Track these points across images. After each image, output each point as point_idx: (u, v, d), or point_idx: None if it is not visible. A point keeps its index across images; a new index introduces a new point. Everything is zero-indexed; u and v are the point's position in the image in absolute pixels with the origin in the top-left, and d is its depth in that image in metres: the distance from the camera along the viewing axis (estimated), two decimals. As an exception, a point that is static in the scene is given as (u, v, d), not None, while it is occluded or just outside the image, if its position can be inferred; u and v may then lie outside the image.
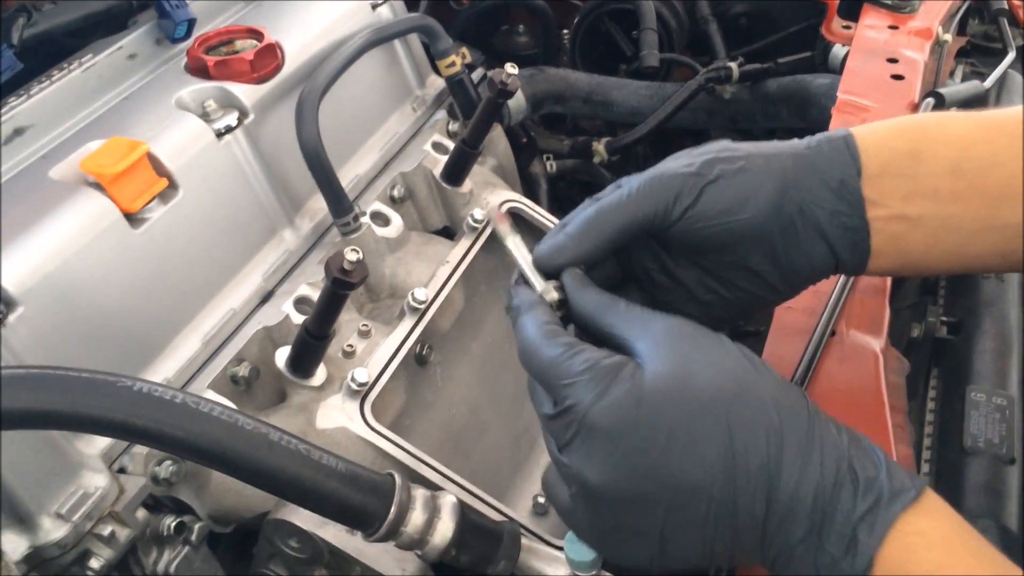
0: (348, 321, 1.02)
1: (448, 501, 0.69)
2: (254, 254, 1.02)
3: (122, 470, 0.83)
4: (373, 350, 1.00)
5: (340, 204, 1.04)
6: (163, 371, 0.89)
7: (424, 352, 1.09)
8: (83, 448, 0.80)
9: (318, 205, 1.09)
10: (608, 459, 0.58)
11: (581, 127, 1.72)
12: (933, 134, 0.70)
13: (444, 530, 0.68)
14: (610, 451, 0.58)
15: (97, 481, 0.77)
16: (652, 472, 0.57)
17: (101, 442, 0.83)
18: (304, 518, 0.83)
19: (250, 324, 0.97)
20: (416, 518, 0.67)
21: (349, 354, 0.99)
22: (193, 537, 0.84)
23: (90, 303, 0.83)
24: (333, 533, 0.82)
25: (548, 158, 1.51)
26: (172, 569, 0.82)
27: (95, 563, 0.76)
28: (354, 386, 0.94)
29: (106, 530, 0.76)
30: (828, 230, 0.68)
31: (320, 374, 0.94)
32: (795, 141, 0.71)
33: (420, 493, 0.69)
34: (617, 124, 1.65)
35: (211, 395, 0.89)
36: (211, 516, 0.89)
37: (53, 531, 0.74)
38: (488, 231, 1.17)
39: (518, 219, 1.22)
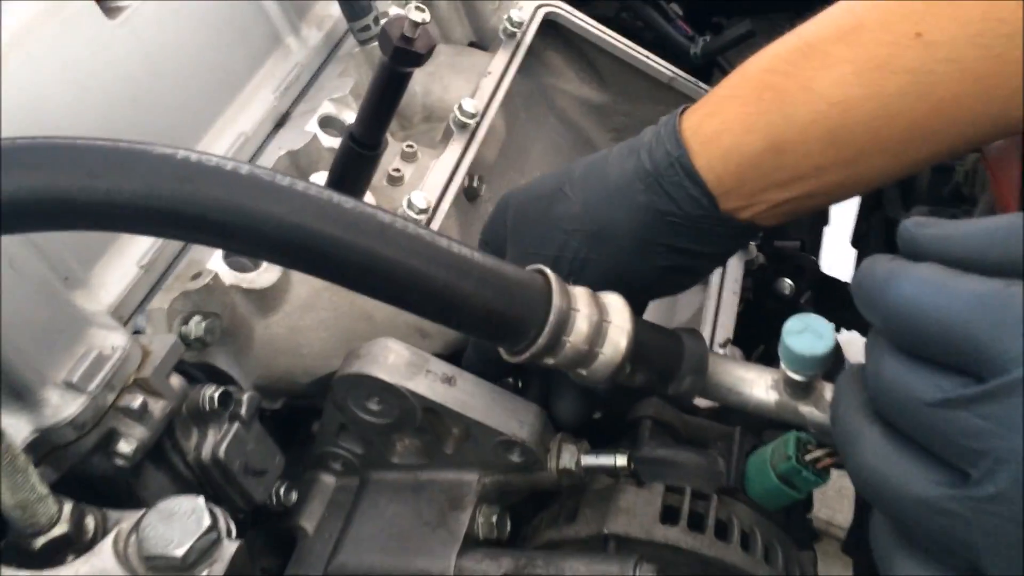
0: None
1: (615, 301, 0.51)
2: (259, 66, 0.80)
3: (137, 333, 0.63)
4: (423, 175, 0.80)
5: (357, 2, 0.83)
6: (170, 208, 0.68)
7: (474, 184, 0.90)
8: (84, 303, 0.59)
9: (326, 12, 0.87)
10: None
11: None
12: (796, 115, 0.54)
13: (617, 338, 0.50)
14: None
15: (113, 340, 0.57)
16: None
17: (106, 296, 0.62)
18: (388, 369, 0.64)
19: (268, 151, 0.77)
20: (581, 323, 0.49)
21: (396, 179, 0.79)
22: (243, 411, 0.65)
23: (68, 122, 0.62)
24: (427, 384, 0.64)
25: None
26: (221, 453, 0.63)
27: (125, 446, 0.56)
28: (412, 214, 0.75)
29: (135, 402, 0.57)
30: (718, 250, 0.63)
31: (369, 201, 0.74)
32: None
33: (580, 291, 0.50)
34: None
35: (237, 234, 0.69)
36: (257, 387, 0.69)
37: (65, 406, 0.54)
38: (528, 40, 0.96)
39: (557, 28, 1.02)
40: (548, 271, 0.49)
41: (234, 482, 0.64)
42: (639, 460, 0.67)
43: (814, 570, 0.68)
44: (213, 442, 0.63)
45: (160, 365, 0.58)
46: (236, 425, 0.64)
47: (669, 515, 0.65)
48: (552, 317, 0.47)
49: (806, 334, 0.49)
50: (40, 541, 0.50)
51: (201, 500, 0.52)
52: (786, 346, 0.49)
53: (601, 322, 0.49)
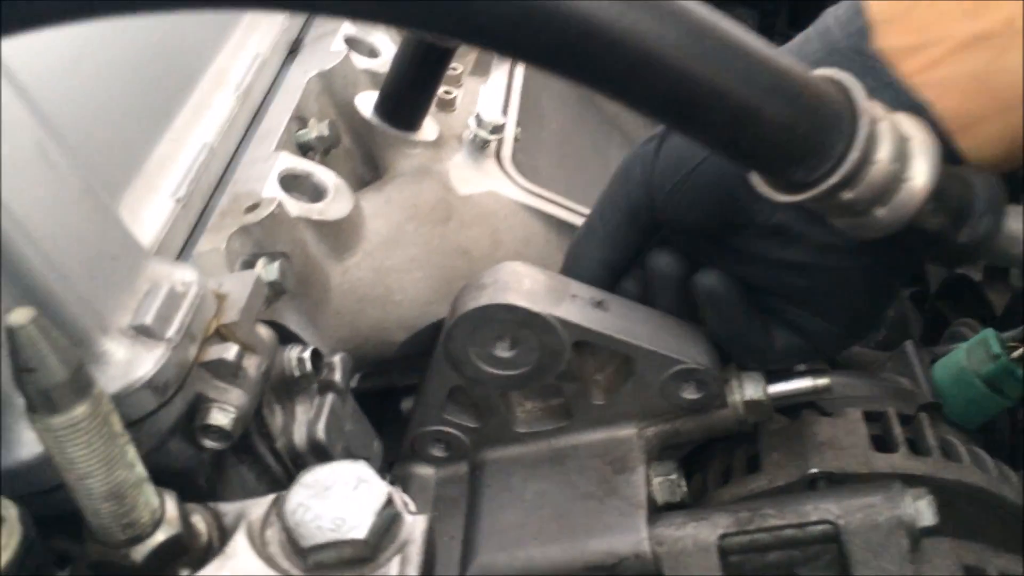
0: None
1: (904, 116, 0.39)
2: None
3: (184, 287, 0.46)
4: (474, 97, 0.67)
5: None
6: (199, 134, 0.52)
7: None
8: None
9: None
10: None
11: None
12: None
13: (923, 161, 0.37)
14: None
15: (182, 275, 0.40)
16: None
17: (142, 235, 0.45)
18: (529, 295, 0.49)
19: (292, 75, 0.61)
20: (886, 138, 0.36)
21: (447, 104, 0.65)
22: (338, 377, 0.48)
23: None
24: (579, 311, 0.49)
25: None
26: (320, 433, 0.46)
27: (221, 417, 0.39)
28: (484, 134, 0.61)
29: (228, 353, 0.40)
30: None
31: (430, 125, 0.60)
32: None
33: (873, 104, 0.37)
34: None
35: (285, 159, 0.53)
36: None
37: (138, 360, 0.36)
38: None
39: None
40: (840, 73, 0.36)
41: (337, 474, 0.48)
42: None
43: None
44: (306, 421, 0.47)
45: (246, 307, 0.42)
46: (331, 397, 0.48)
47: (878, 443, 0.53)
48: (862, 126, 0.35)
49: None
50: (142, 550, 0.33)
51: (364, 464, 0.36)
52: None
53: (903, 138, 0.37)
